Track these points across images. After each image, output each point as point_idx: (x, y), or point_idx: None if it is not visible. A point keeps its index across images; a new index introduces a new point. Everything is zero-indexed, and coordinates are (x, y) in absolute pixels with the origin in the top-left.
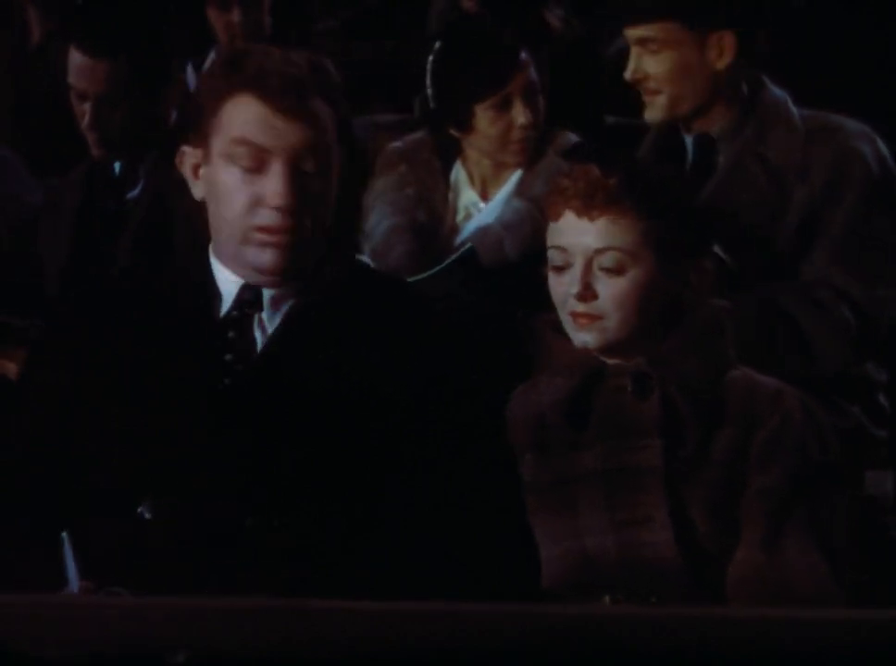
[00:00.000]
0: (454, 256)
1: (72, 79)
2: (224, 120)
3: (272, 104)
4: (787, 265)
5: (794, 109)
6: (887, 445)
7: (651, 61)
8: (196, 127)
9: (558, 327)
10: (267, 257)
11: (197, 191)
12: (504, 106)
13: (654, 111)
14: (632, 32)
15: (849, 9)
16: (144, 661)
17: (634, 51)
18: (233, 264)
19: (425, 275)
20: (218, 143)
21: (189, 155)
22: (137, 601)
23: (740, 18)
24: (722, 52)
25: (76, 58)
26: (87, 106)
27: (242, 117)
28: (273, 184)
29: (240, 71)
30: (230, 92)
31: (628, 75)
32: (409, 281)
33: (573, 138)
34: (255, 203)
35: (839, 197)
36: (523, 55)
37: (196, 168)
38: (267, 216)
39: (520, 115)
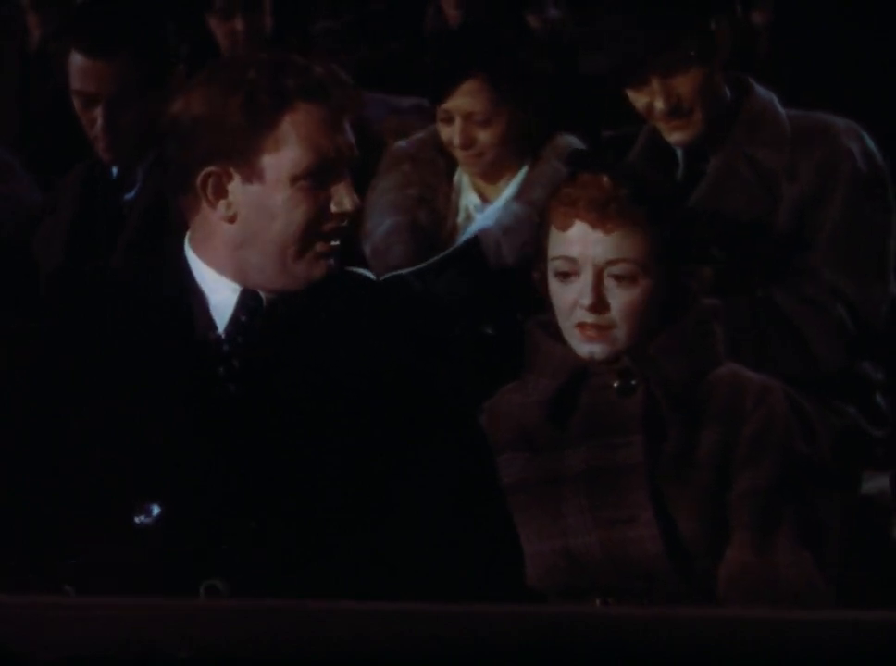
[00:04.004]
0: (455, 246)
1: (78, 84)
2: (286, 134)
3: (337, 113)
4: (780, 264)
5: (781, 109)
6: (884, 444)
7: (680, 80)
8: (232, 146)
9: (547, 328)
10: (321, 268)
11: (226, 210)
12: (447, 120)
13: (689, 130)
14: (654, 62)
15: (841, 9)
16: (145, 661)
17: (657, 80)
18: (249, 276)
19: (424, 264)
20: (281, 162)
21: (216, 175)
22: (137, 601)
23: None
24: (724, 55)
25: (79, 62)
26: (98, 111)
27: (314, 132)
28: (341, 193)
29: (292, 81)
30: (289, 104)
31: (662, 105)
32: (406, 274)
33: (573, 141)
34: (321, 212)
35: (828, 195)
36: (477, 79)
37: (223, 187)
38: (334, 219)
39: (455, 135)
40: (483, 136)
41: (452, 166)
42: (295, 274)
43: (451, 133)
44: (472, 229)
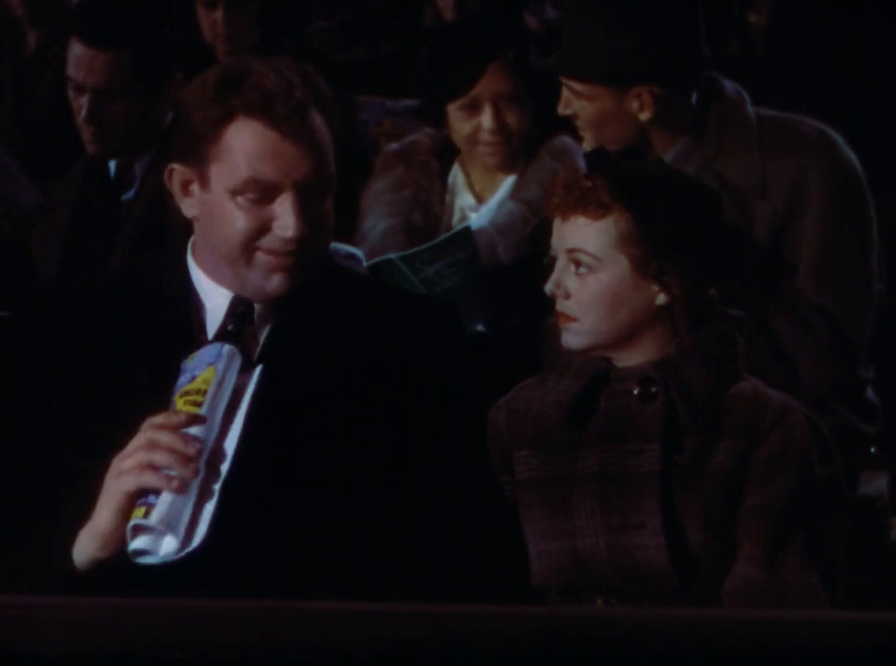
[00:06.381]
0: (447, 234)
1: (71, 70)
2: (227, 148)
3: (279, 130)
4: (763, 285)
5: (751, 113)
6: (878, 442)
7: (576, 103)
8: (191, 149)
9: None
10: (275, 282)
11: (188, 209)
12: (473, 108)
13: (586, 143)
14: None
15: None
16: (144, 661)
17: (564, 90)
18: (229, 282)
19: (415, 250)
20: (221, 174)
21: (180, 173)
22: (137, 601)
23: (657, 75)
24: (642, 106)
25: (76, 50)
26: (84, 100)
27: (250, 148)
28: (285, 217)
29: (239, 94)
30: (231, 117)
31: (559, 109)
32: (395, 259)
33: (567, 141)
34: (262, 229)
35: (800, 214)
36: (499, 61)
37: (187, 186)
38: (276, 241)
39: (487, 119)
40: (512, 118)
41: (445, 167)
42: (249, 284)
43: (476, 124)
44: None
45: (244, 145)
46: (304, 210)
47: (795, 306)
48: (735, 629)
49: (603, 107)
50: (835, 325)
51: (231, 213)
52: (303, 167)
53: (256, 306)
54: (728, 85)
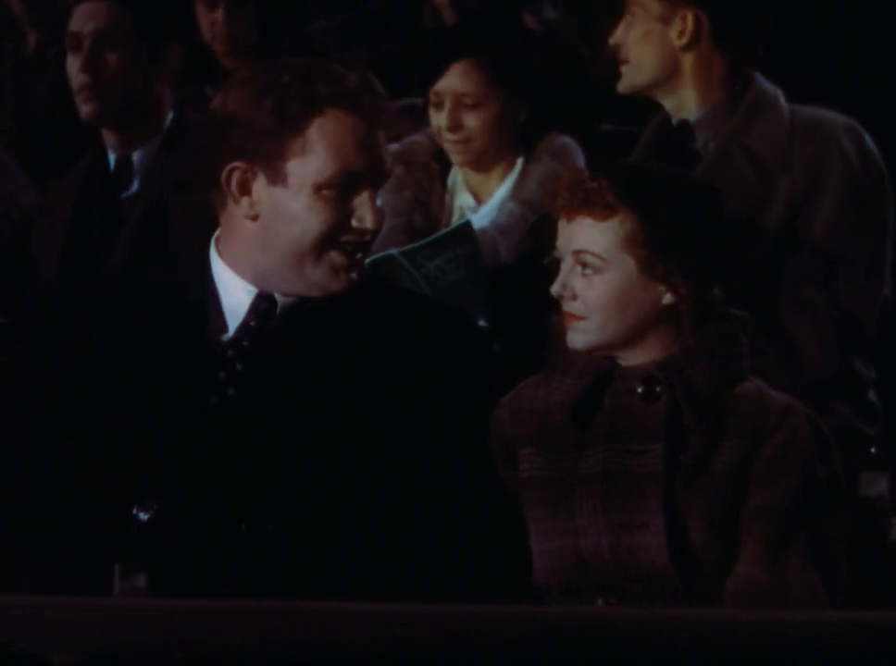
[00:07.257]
0: (448, 229)
1: (72, 25)
2: (312, 141)
3: (368, 122)
4: (771, 258)
5: (784, 104)
6: (879, 443)
7: (628, 28)
8: (260, 147)
9: None
10: (342, 280)
11: (248, 208)
12: (438, 104)
13: (621, 81)
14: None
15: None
16: (144, 661)
17: (623, 19)
18: (277, 280)
19: (416, 245)
20: (305, 169)
21: (241, 172)
22: (137, 601)
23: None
24: (683, 31)
25: (79, 8)
26: (81, 56)
27: (342, 140)
28: (363, 209)
29: (326, 88)
30: (318, 111)
31: (612, 39)
32: (397, 254)
33: (566, 140)
34: (342, 223)
35: (819, 192)
36: (469, 62)
37: (247, 184)
38: (353, 234)
39: (442, 119)
40: (471, 121)
41: (445, 168)
42: (312, 282)
43: (440, 119)
44: None
45: (335, 138)
46: (377, 204)
47: (801, 286)
48: (735, 629)
49: (648, 26)
50: (840, 305)
51: (312, 207)
52: (385, 159)
53: (279, 303)
54: (763, 79)
